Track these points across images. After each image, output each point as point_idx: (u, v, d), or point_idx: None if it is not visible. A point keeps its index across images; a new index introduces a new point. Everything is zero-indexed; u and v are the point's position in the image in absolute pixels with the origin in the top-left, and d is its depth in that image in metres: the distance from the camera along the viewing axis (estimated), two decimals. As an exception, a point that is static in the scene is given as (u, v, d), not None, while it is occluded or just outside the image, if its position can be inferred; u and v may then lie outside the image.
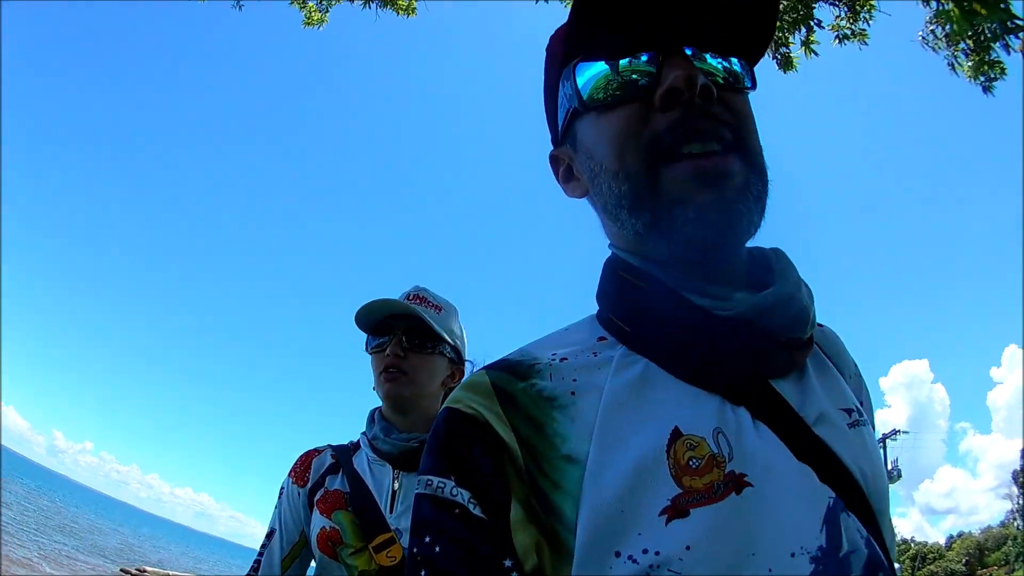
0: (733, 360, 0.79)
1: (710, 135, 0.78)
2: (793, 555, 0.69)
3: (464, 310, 2.21)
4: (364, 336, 2.10)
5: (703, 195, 0.76)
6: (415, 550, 0.76)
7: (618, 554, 0.69)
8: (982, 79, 4.79)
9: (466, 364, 2.17)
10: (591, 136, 0.87)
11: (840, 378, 0.90)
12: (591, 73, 0.85)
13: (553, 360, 0.82)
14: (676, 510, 0.69)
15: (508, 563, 0.72)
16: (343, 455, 2.03)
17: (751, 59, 0.87)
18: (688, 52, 0.81)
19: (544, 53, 0.96)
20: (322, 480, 1.99)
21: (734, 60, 0.85)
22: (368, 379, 2.10)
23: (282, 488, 2.03)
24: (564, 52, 0.88)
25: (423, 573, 0.74)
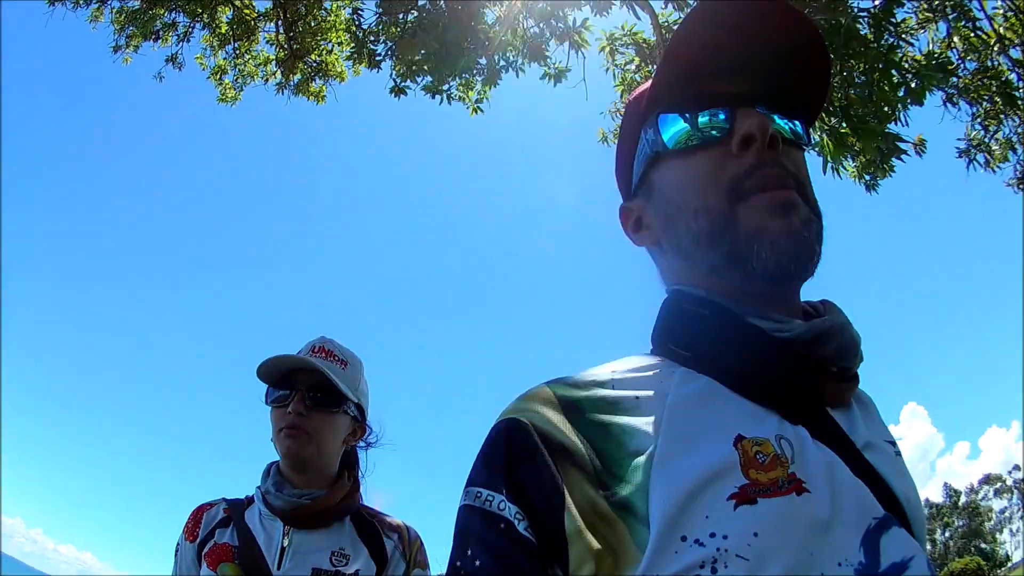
0: (791, 381, 0.82)
1: (782, 181, 0.84)
2: (840, 564, 0.70)
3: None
4: (264, 386, 2.03)
5: (776, 224, 0.82)
6: (457, 563, 0.76)
7: (684, 538, 0.69)
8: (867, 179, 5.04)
9: (368, 426, 2.14)
10: (670, 179, 0.92)
11: (880, 418, 0.93)
12: (673, 122, 0.91)
13: (614, 375, 0.84)
14: (745, 497, 0.70)
15: None
16: (235, 509, 1.97)
17: (807, 122, 0.95)
18: (760, 110, 0.87)
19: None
20: (211, 533, 1.93)
21: (796, 122, 0.92)
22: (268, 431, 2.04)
23: (177, 545, 1.99)
24: (647, 105, 0.94)
25: None
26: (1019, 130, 5.59)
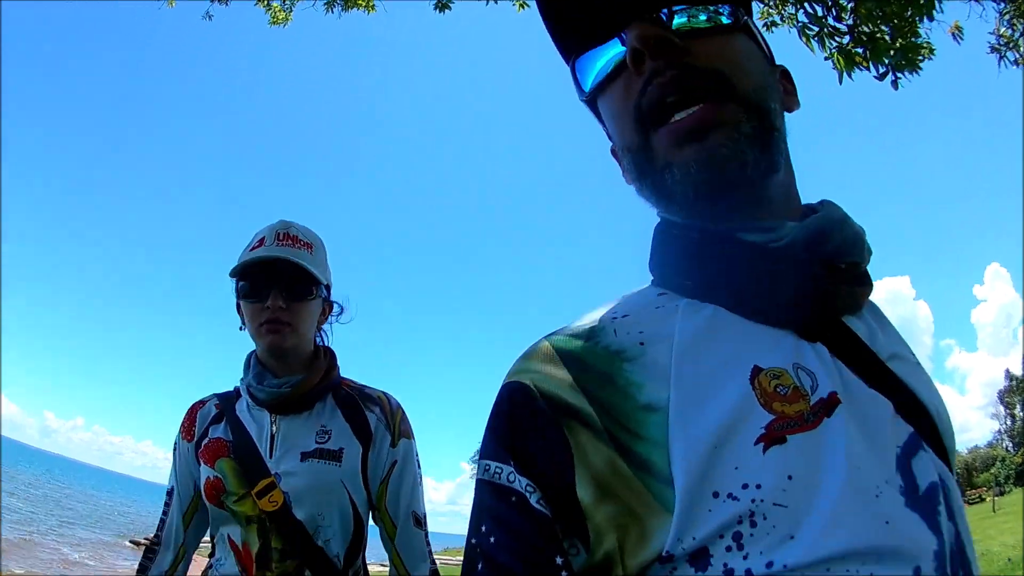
0: (799, 293, 0.76)
1: (682, 84, 0.77)
2: (885, 483, 0.66)
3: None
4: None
5: (683, 152, 0.76)
6: (473, 540, 0.74)
7: (716, 494, 0.65)
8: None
9: (333, 303, 2.16)
10: (606, 119, 0.88)
11: (893, 327, 0.88)
12: (585, 64, 0.86)
13: (615, 318, 0.79)
14: (772, 436, 0.66)
15: (559, 560, 0.69)
16: (226, 403, 2.02)
17: (738, 2, 0.84)
18: (663, 15, 0.79)
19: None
20: (206, 431, 1.98)
21: (713, 7, 0.82)
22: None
23: (175, 445, 2.05)
24: (562, 54, 0.89)
25: (480, 566, 0.72)
26: None
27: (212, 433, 1.96)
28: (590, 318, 0.81)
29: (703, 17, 0.81)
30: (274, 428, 1.93)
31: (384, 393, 2.06)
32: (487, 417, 0.79)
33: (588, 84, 0.86)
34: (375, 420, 1.99)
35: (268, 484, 1.84)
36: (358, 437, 1.94)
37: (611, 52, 0.83)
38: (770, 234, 0.78)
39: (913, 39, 4.84)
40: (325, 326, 2.16)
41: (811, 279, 0.77)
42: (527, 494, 0.71)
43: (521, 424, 0.74)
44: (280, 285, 1.94)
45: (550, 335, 0.80)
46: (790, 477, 0.64)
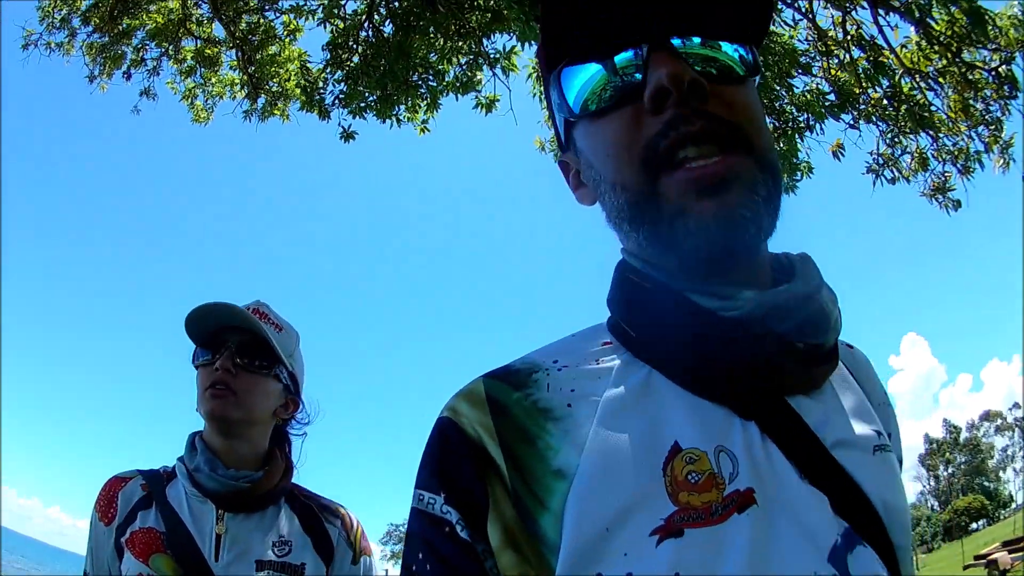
0: (742, 369, 0.73)
1: (706, 137, 0.72)
2: None
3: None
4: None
5: (703, 205, 0.71)
6: (413, 567, 0.75)
7: (599, 575, 0.64)
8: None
9: (301, 401, 1.97)
10: (588, 146, 0.82)
11: (867, 401, 0.84)
12: (578, 78, 0.79)
13: (553, 367, 0.78)
14: (669, 529, 0.64)
15: None
16: (154, 484, 1.76)
17: (751, 41, 0.80)
18: (677, 43, 0.75)
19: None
20: (132, 515, 1.72)
21: (730, 46, 0.78)
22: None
23: (91, 523, 1.78)
24: (545, 58, 0.82)
25: None
26: (935, 146, 6.02)
27: (142, 521, 1.70)
28: (531, 361, 0.80)
29: (718, 59, 0.77)
30: (220, 527, 1.70)
31: (341, 505, 1.92)
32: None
33: (576, 101, 0.79)
34: (336, 534, 1.84)
35: None
36: (319, 552, 1.79)
37: (609, 74, 0.77)
38: (725, 301, 0.74)
39: (793, 159, 5.60)
40: (293, 432, 1.99)
41: (757, 356, 0.73)
42: (456, 525, 0.73)
43: (449, 459, 0.75)
44: (232, 347, 1.78)
45: (488, 376, 0.80)
46: (677, 574, 0.62)
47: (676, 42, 0.75)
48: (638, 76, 0.75)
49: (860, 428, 0.77)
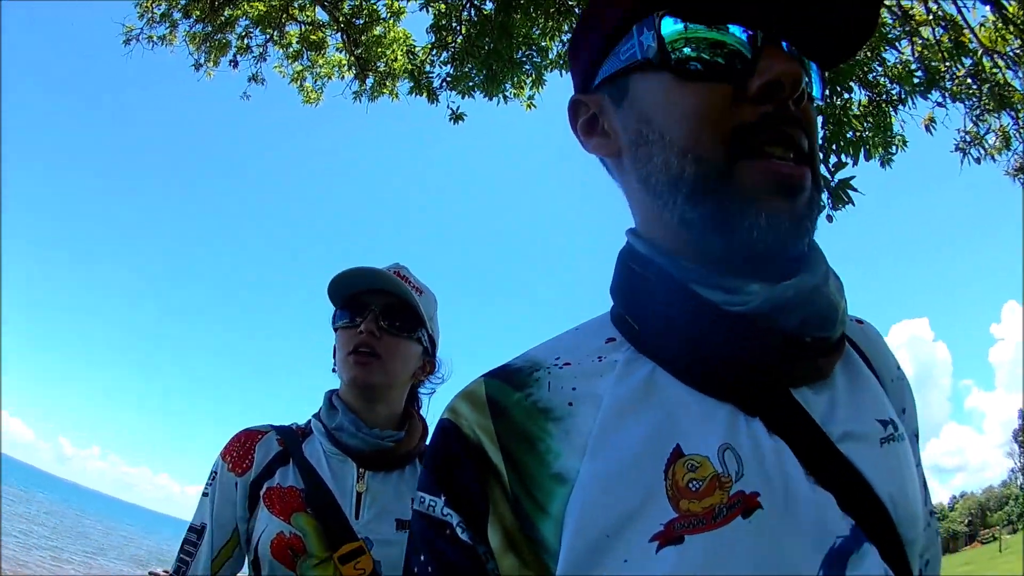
0: (747, 365, 0.72)
1: (792, 142, 0.72)
2: None
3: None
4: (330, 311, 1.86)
5: (779, 203, 0.71)
6: (415, 569, 0.75)
7: None
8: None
9: (438, 362, 1.95)
10: (658, 99, 0.77)
11: (876, 385, 0.81)
12: (680, 31, 0.75)
13: (555, 365, 0.77)
14: (669, 536, 0.63)
15: None
16: (290, 441, 1.74)
17: (828, 67, 0.82)
18: (785, 48, 0.74)
19: None
20: (270, 471, 1.69)
21: (813, 65, 0.79)
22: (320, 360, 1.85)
23: (214, 473, 1.71)
24: None
25: None
26: (1017, 125, 5.98)
27: (281, 478, 1.67)
28: (532, 359, 0.79)
29: (809, 81, 0.77)
30: (361, 486, 1.69)
31: None
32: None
33: (673, 55, 0.74)
34: None
35: (355, 549, 1.61)
36: None
37: (718, 44, 0.74)
38: (732, 296, 0.72)
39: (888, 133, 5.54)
40: (423, 391, 1.98)
41: (763, 352, 0.72)
42: (458, 529, 0.72)
43: (453, 461, 0.74)
44: (376, 311, 1.76)
45: (489, 376, 0.79)
46: None
47: (784, 46, 0.75)
48: (729, 58, 0.74)
49: (867, 418, 0.76)
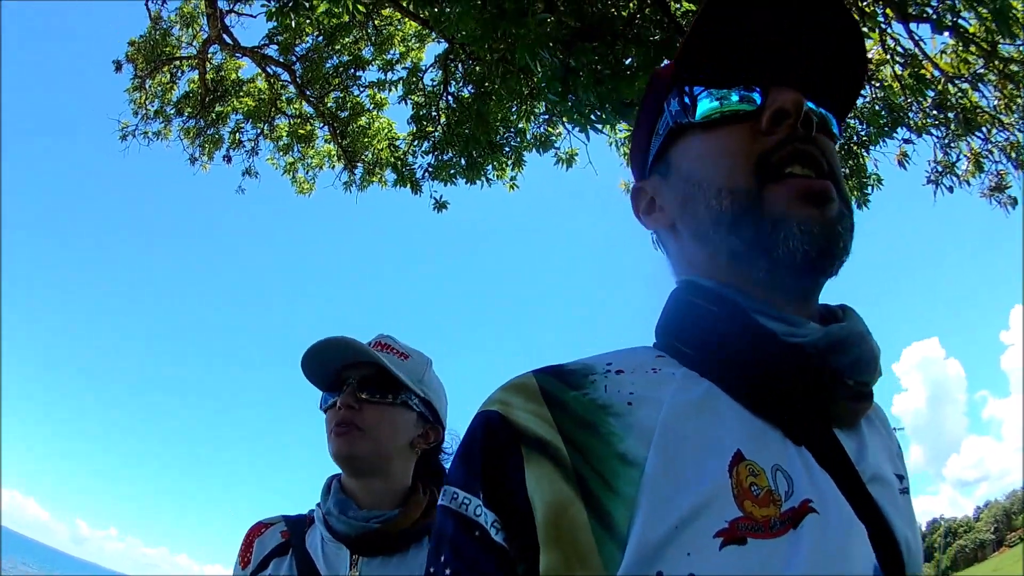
0: (798, 394, 0.75)
1: (811, 161, 0.79)
2: None
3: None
4: None
5: (809, 211, 0.76)
6: (431, 569, 0.73)
7: (660, 574, 0.62)
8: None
9: (446, 432, 1.85)
10: (693, 154, 0.86)
11: (891, 445, 0.87)
12: (699, 94, 0.85)
13: (609, 371, 0.77)
14: (733, 535, 0.63)
15: None
16: (295, 531, 1.69)
17: (839, 116, 0.89)
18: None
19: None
20: (266, 563, 1.66)
21: (825, 111, 0.86)
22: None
23: (234, 565, 1.73)
24: (673, 76, 0.88)
25: None
26: (987, 145, 6.13)
27: (275, 569, 1.64)
28: (584, 364, 0.79)
29: (821, 113, 0.84)
30: (353, 572, 1.61)
31: None
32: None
33: (698, 113, 0.84)
34: None
35: None
36: None
37: (732, 99, 0.83)
38: (792, 327, 0.76)
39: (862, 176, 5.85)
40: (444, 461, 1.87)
41: (816, 385, 0.75)
42: (492, 530, 0.69)
43: (494, 455, 0.72)
44: (355, 384, 1.69)
45: (538, 371, 0.78)
46: None
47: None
48: (743, 104, 0.82)
49: (888, 468, 0.80)
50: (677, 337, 0.83)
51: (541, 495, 0.68)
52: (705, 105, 0.84)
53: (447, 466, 1.76)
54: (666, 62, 0.97)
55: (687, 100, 0.85)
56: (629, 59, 4.18)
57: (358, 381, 1.68)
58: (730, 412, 0.73)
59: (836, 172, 0.81)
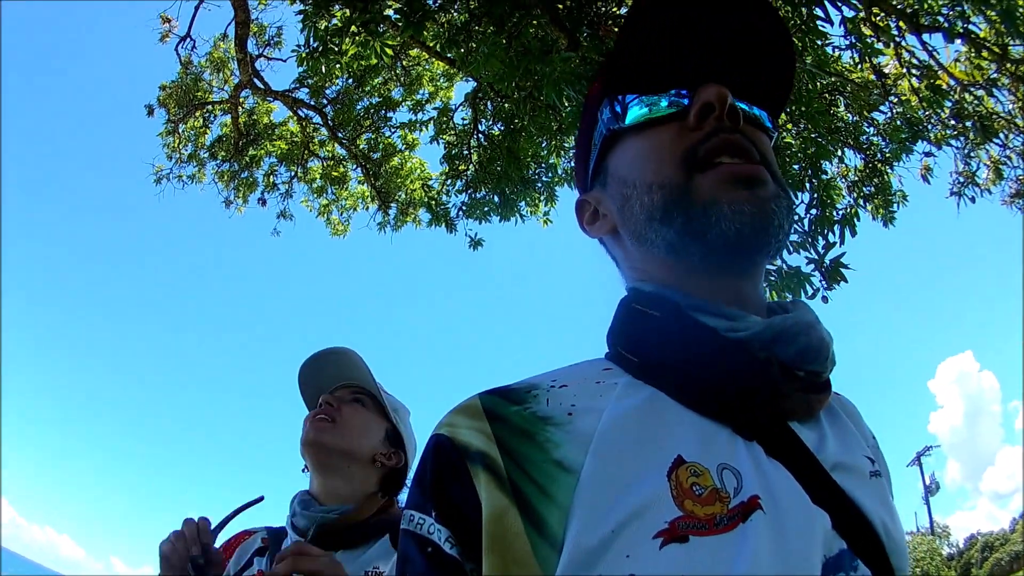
0: (746, 391, 0.74)
1: (740, 150, 0.80)
2: None
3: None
4: None
5: (737, 193, 0.77)
6: None
7: None
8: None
9: (405, 457, 1.92)
10: (626, 157, 0.87)
11: (857, 434, 0.85)
12: (629, 100, 0.87)
13: (552, 386, 0.78)
14: (674, 534, 0.63)
15: None
16: (274, 539, 1.82)
17: (773, 111, 0.91)
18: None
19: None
20: (250, 561, 1.78)
21: (756, 108, 0.88)
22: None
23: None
24: (602, 86, 0.90)
25: None
26: (1007, 151, 6.08)
27: (257, 564, 1.77)
28: (529, 382, 0.80)
29: (749, 109, 0.86)
30: None
31: None
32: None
33: (628, 119, 0.86)
34: None
35: None
36: None
37: (661, 103, 0.85)
38: (732, 322, 0.76)
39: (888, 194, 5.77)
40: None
41: (762, 379, 0.74)
42: (445, 544, 0.71)
43: (441, 475, 0.74)
44: (332, 391, 1.89)
45: (484, 392, 0.79)
46: None
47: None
48: (671, 106, 0.84)
49: (856, 453, 0.79)
50: (623, 346, 0.84)
51: (485, 505, 0.69)
52: (635, 111, 0.86)
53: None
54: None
55: (618, 108, 0.88)
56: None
57: (342, 387, 1.87)
58: (674, 416, 0.73)
59: (768, 158, 0.82)
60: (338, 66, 6.78)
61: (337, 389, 1.89)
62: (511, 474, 0.70)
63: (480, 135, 6.98)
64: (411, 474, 1.79)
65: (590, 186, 0.96)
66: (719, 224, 0.76)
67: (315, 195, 8.82)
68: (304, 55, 4.99)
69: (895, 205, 5.92)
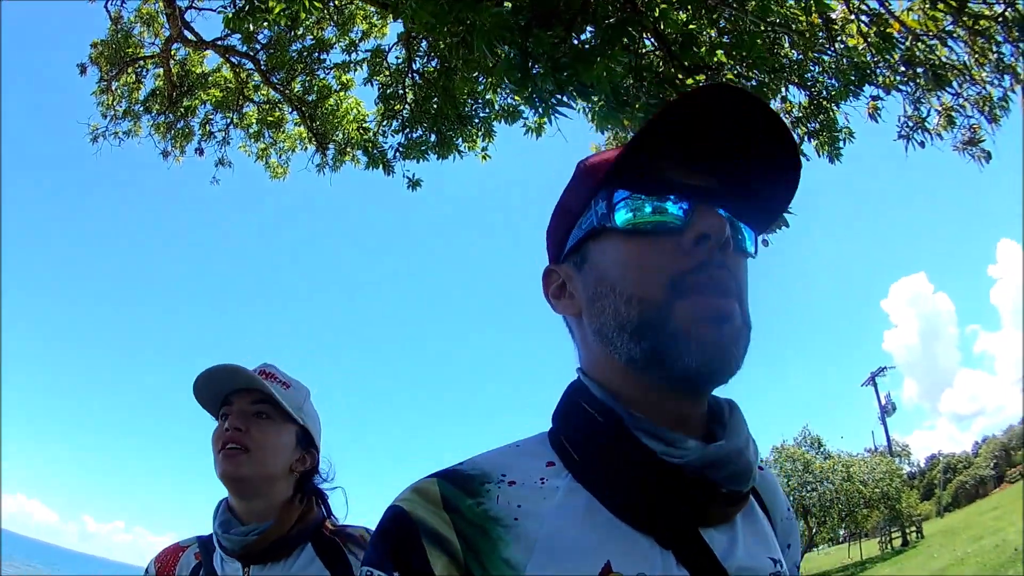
0: (671, 507, 0.82)
1: (722, 287, 0.83)
2: None
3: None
4: None
5: (708, 332, 0.81)
6: None
7: None
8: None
9: (320, 455, 1.99)
10: (610, 257, 0.89)
11: (769, 528, 0.94)
12: (628, 200, 0.88)
13: (502, 481, 0.85)
14: None
15: None
16: (205, 552, 1.87)
17: (757, 231, 0.94)
18: (720, 212, 0.86)
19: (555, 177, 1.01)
20: None
21: (745, 227, 0.91)
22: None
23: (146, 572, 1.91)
24: (605, 177, 0.90)
25: None
26: (958, 100, 6.08)
27: None
28: (481, 468, 0.87)
29: (741, 238, 0.89)
30: None
31: (367, 530, 1.90)
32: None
33: (621, 219, 0.87)
34: (358, 564, 1.70)
35: None
36: None
37: (659, 209, 0.86)
38: (670, 448, 0.82)
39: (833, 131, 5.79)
40: (320, 485, 2.00)
41: (688, 499, 0.83)
42: None
43: (408, 541, 0.81)
44: (242, 405, 1.85)
45: (441, 476, 0.86)
46: None
47: (720, 211, 0.87)
48: (668, 218, 0.86)
49: (762, 556, 0.88)
50: (567, 437, 0.90)
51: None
52: (631, 213, 0.87)
53: (321, 487, 1.97)
54: (598, 151, 1.06)
55: (616, 203, 0.89)
56: (585, 43, 4.25)
57: (246, 404, 1.84)
58: (606, 525, 0.81)
59: (742, 289, 0.87)
60: (265, 24, 6.74)
61: (236, 394, 1.87)
62: (468, 562, 0.79)
63: (415, 74, 7.01)
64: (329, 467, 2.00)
65: (562, 258, 0.98)
66: (682, 359, 0.81)
67: (252, 140, 8.82)
68: (231, 16, 4.94)
69: (842, 141, 5.94)
